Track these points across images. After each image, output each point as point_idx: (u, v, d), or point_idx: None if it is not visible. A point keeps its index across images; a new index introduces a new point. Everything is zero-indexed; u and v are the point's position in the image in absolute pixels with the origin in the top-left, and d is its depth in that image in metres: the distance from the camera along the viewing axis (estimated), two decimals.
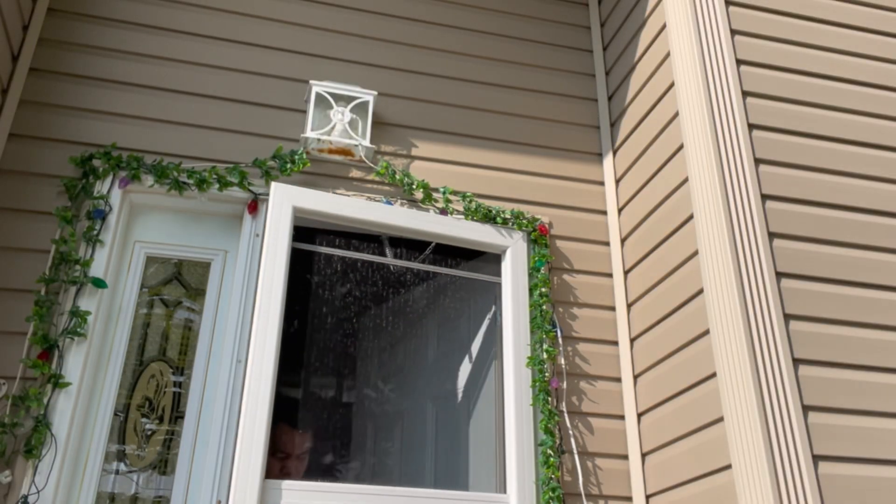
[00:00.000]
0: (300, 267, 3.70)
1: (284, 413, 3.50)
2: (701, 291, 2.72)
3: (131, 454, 2.75)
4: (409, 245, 3.33)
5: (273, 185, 2.92)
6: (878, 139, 2.95)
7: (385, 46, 3.55)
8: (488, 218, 3.23)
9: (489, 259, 3.30)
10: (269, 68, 3.35)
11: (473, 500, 2.70)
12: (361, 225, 3.03)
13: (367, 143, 3.24)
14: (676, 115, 3.01)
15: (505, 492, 2.80)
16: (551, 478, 2.87)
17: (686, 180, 2.89)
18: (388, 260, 3.21)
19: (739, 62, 2.95)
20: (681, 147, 2.95)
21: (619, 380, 3.17)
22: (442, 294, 3.45)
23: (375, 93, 3.33)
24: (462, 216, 3.22)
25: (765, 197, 2.71)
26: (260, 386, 2.60)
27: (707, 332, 2.65)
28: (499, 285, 3.19)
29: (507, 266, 3.17)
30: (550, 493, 2.83)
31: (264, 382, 2.61)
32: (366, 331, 4.10)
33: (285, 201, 2.91)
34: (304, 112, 3.28)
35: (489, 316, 3.24)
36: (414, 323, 3.45)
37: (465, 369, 3.23)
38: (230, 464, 2.65)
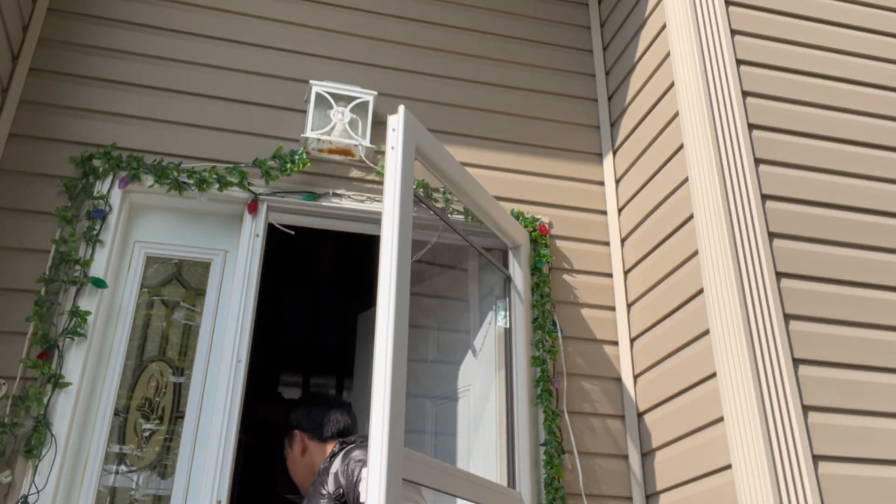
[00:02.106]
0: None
1: None
2: (701, 291, 2.72)
3: (131, 454, 2.75)
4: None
5: (401, 109, 2.50)
6: (878, 139, 2.95)
7: (385, 46, 3.55)
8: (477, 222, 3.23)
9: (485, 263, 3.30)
10: (269, 68, 3.35)
11: (502, 493, 2.70)
12: (451, 186, 2.87)
13: (367, 143, 3.24)
14: (676, 115, 3.01)
15: (515, 487, 2.81)
16: (555, 478, 2.87)
17: (686, 180, 2.89)
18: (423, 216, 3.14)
19: (739, 62, 2.95)
20: (681, 147, 2.95)
21: (619, 379, 3.17)
22: (445, 288, 3.45)
23: (375, 93, 3.33)
24: (462, 216, 3.22)
25: (765, 197, 2.72)
26: (399, 339, 2.18)
27: (707, 332, 2.65)
28: (506, 283, 3.19)
29: (519, 263, 3.18)
30: (554, 493, 2.83)
31: (403, 339, 2.22)
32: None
33: (411, 136, 2.53)
34: (304, 112, 3.28)
35: (490, 312, 3.24)
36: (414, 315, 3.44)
37: (465, 366, 3.23)
38: (230, 464, 2.66)
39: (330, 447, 2.53)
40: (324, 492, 2.32)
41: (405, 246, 2.34)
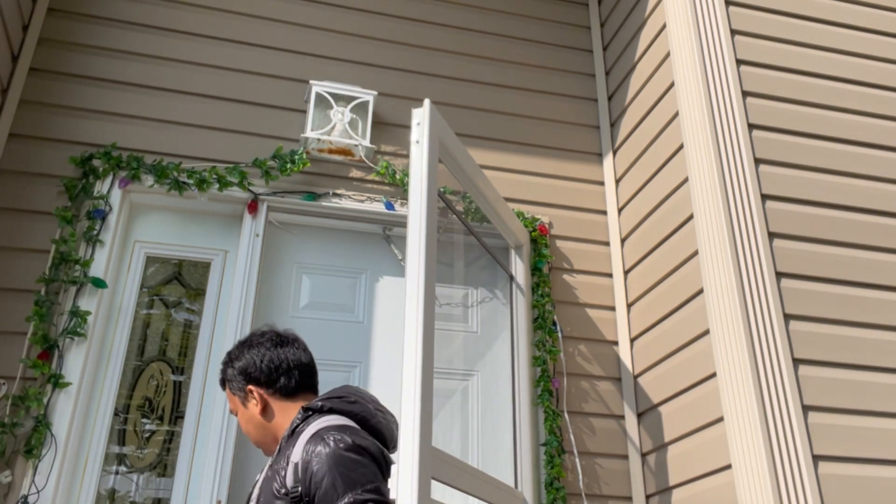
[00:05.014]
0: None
1: None
2: (701, 291, 2.72)
3: (131, 454, 2.75)
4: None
5: (426, 102, 2.46)
6: (878, 139, 2.95)
7: (385, 46, 3.55)
8: (487, 219, 3.23)
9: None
10: (269, 68, 3.35)
11: (509, 493, 2.70)
12: (468, 184, 2.85)
13: (367, 143, 3.24)
14: (676, 115, 3.01)
15: (517, 487, 2.81)
16: (555, 478, 2.87)
17: (686, 180, 2.88)
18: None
19: (739, 62, 2.95)
20: (681, 147, 2.95)
21: (618, 379, 3.17)
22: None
23: (375, 93, 3.33)
24: (462, 215, 3.22)
25: (765, 197, 2.71)
26: (427, 339, 2.17)
27: (707, 332, 2.65)
28: (508, 282, 3.19)
29: (522, 262, 3.18)
30: (555, 493, 2.84)
31: (428, 340, 2.20)
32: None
33: (436, 130, 2.50)
34: (304, 112, 3.28)
35: (489, 310, 3.25)
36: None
37: (467, 364, 3.23)
38: (230, 464, 2.66)
39: (297, 408, 1.88)
40: (278, 487, 1.68)
41: (432, 246, 2.30)
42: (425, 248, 2.25)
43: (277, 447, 1.80)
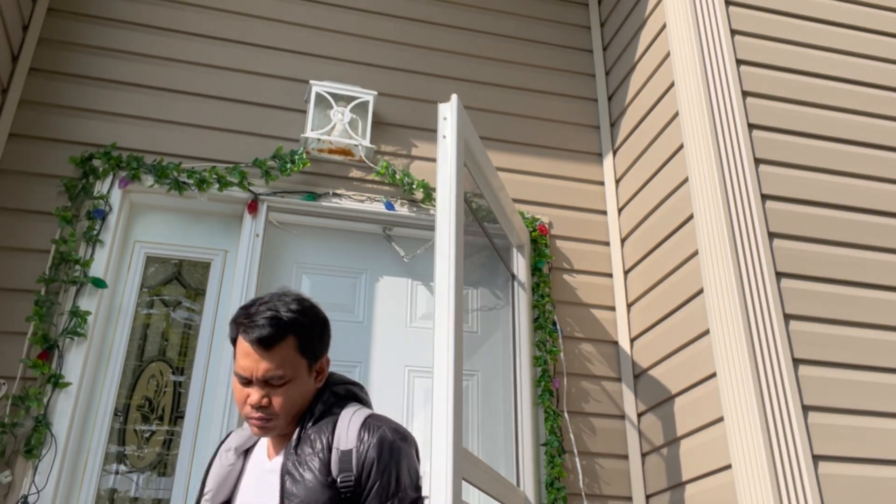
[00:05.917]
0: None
1: None
2: (701, 291, 2.72)
3: (131, 454, 2.75)
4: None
5: (454, 98, 2.45)
6: (878, 139, 2.95)
7: (385, 46, 3.55)
8: (488, 218, 3.23)
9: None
10: (269, 68, 3.35)
11: (513, 491, 2.71)
12: (483, 182, 2.86)
13: (367, 143, 3.24)
14: (676, 115, 3.01)
15: (519, 486, 2.82)
16: (556, 478, 2.88)
17: (686, 180, 2.89)
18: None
19: (739, 62, 2.95)
20: (681, 147, 2.95)
21: (619, 380, 3.17)
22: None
23: (375, 93, 3.33)
24: (476, 214, 3.23)
25: (765, 197, 2.71)
26: (456, 342, 2.15)
27: (707, 332, 2.65)
28: (509, 282, 3.20)
29: (523, 261, 3.19)
30: (556, 493, 2.84)
31: (460, 340, 2.18)
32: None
33: (462, 127, 2.49)
34: (304, 112, 3.28)
35: (489, 309, 3.25)
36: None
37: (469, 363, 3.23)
38: None
39: None
40: (324, 475, 1.56)
41: (460, 245, 2.29)
42: (455, 248, 2.24)
43: (296, 433, 1.64)
